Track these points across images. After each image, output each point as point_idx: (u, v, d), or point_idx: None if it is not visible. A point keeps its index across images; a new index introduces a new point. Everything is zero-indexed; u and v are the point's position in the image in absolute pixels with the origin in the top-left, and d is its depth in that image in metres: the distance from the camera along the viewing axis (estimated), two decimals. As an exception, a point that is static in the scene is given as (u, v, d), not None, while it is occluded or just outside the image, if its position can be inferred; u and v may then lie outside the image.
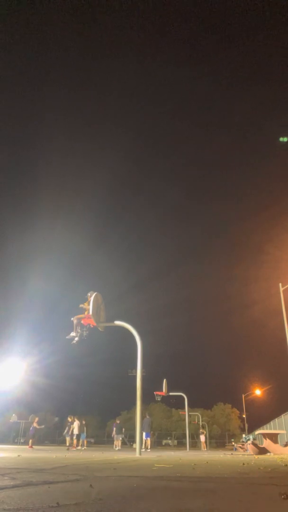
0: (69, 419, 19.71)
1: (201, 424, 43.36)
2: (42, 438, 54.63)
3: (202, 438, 34.98)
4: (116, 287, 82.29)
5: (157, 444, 59.90)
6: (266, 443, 13.56)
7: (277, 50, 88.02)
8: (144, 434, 18.94)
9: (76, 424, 20.06)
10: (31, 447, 17.90)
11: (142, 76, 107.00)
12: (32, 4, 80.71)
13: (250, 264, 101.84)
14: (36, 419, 19.18)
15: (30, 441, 18.40)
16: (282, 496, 2.18)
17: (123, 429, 21.41)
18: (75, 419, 20.47)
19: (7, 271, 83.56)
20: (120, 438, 20.15)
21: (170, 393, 25.12)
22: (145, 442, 18.52)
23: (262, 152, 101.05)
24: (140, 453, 10.03)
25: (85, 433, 19.62)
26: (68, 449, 16.93)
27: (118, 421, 21.13)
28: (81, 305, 11.74)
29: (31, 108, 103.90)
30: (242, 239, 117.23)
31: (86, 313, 11.50)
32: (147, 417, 19.86)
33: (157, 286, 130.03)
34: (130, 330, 11.33)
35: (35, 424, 18.71)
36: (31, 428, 18.85)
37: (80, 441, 19.25)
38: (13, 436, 54.83)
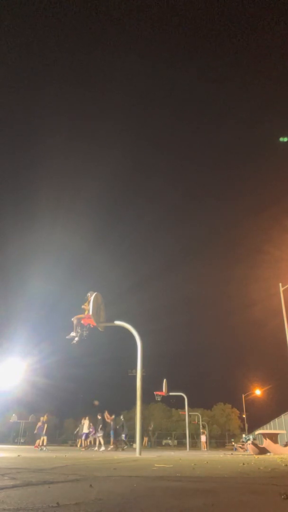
0: (45, 418, 18.98)
1: (201, 424, 43.38)
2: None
3: (203, 438, 35.04)
4: (116, 287, 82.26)
5: (157, 444, 59.94)
6: (266, 443, 13.57)
7: (278, 49, 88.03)
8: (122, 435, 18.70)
9: (85, 423, 19.93)
10: (36, 446, 17.86)
11: (142, 75, 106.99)
12: (34, 1, 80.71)
13: (250, 264, 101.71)
14: (41, 418, 18.91)
15: (37, 441, 18.24)
16: (282, 496, 2.18)
17: (110, 423, 18.63)
18: (85, 419, 20.30)
19: (7, 271, 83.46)
20: (102, 434, 18.11)
21: (170, 393, 25.10)
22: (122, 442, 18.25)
23: (262, 152, 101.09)
24: (140, 453, 10.03)
25: (44, 432, 17.93)
26: (41, 449, 16.72)
27: (99, 417, 18.73)
28: (83, 306, 11.74)
29: (31, 107, 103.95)
30: (242, 239, 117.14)
31: (86, 313, 11.50)
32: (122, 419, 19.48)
33: (157, 286, 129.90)
34: (130, 330, 11.33)
35: (39, 424, 18.51)
36: (37, 428, 18.60)
37: (42, 439, 17.84)
38: (13, 436, 54.85)
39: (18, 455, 8.52)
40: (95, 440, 19.18)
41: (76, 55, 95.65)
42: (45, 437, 17.68)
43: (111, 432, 18.72)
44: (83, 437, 19.82)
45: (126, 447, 18.69)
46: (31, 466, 4.62)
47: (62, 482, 2.90)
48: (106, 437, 19.41)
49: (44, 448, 16.99)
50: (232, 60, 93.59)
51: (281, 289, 20.71)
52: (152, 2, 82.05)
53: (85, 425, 19.89)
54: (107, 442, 19.06)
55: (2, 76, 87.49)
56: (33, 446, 18.30)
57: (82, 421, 20.88)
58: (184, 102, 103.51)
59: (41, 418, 18.61)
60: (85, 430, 19.76)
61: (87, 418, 20.30)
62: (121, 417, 20.47)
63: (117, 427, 19.14)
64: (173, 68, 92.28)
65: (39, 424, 18.29)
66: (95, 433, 18.88)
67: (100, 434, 18.13)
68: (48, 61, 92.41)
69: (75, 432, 20.59)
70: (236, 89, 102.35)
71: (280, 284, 20.95)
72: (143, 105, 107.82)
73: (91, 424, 19.79)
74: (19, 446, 30.25)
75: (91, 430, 19.46)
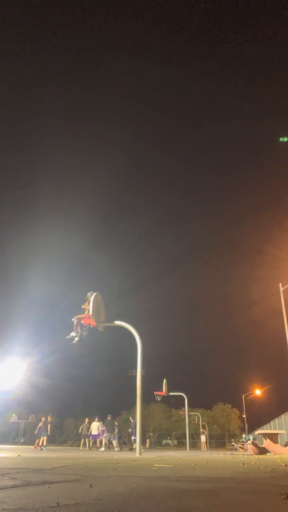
0: (49, 419, 18.96)
1: (201, 424, 43.34)
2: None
3: (203, 438, 34.99)
4: (116, 287, 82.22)
5: (157, 444, 59.96)
6: (266, 443, 13.57)
7: (278, 49, 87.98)
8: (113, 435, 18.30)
9: (95, 424, 19.84)
10: (36, 446, 17.83)
11: (142, 77, 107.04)
12: (33, 2, 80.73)
13: (250, 264, 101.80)
14: (43, 419, 18.84)
15: (37, 441, 18.19)
16: (282, 496, 2.18)
17: (116, 426, 18.53)
18: (96, 420, 20.21)
19: (7, 271, 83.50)
20: (106, 435, 18.06)
21: (170, 393, 25.08)
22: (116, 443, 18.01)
23: (262, 152, 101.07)
24: (140, 453, 10.03)
25: (47, 432, 17.93)
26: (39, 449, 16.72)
27: (109, 417, 18.79)
28: (83, 306, 11.74)
29: (32, 108, 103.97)
30: (242, 239, 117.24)
31: (86, 313, 11.50)
32: (109, 418, 18.90)
33: (157, 286, 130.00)
34: (130, 330, 11.33)
35: (40, 424, 18.46)
36: (38, 428, 18.54)
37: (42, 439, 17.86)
38: (13, 436, 54.83)
39: (18, 455, 8.52)
40: (108, 441, 19.15)
41: (76, 55, 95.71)
42: (45, 437, 17.68)
43: (117, 436, 18.71)
44: (92, 438, 19.71)
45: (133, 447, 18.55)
46: (31, 466, 4.62)
47: (62, 482, 2.90)
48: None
49: (44, 448, 16.99)
50: (232, 60, 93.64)
51: (281, 289, 20.71)
52: (152, 2, 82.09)
53: (94, 427, 19.77)
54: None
55: (2, 75, 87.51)
56: (33, 446, 18.27)
57: (86, 420, 20.81)
58: (184, 102, 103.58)
59: (42, 418, 18.56)
60: (95, 431, 19.64)
61: (96, 419, 20.19)
62: (130, 418, 20.30)
63: (129, 430, 19.02)
64: (173, 68, 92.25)
65: (40, 424, 18.25)
66: (104, 434, 18.81)
67: (105, 435, 18.11)
68: (48, 60, 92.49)
69: (88, 432, 20.34)
70: (236, 89, 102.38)
71: (280, 284, 20.94)
72: (143, 105, 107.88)
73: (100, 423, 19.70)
74: (19, 446, 30.24)
75: (101, 430, 19.35)
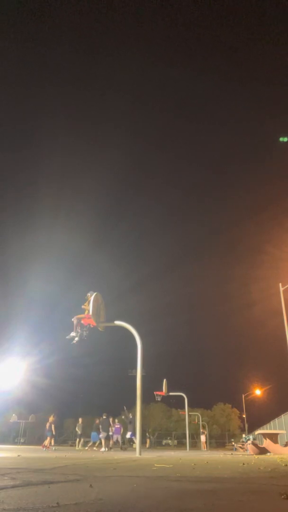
0: (51, 419, 18.85)
1: (201, 424, 43.33)
2: (42, 438, 54.51)
3: (203, 438, 34.97)
4: (116, 287, 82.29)
5: (157, 444, 59.92)
6: (266, 443, 13.57)
7: (278, 49, 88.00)
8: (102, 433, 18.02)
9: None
10: (48, 447, 17.76)
11: (143, 76, 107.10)
12: (34, 1, 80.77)
13: (250, 264, 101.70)
14: (49, 419, 18.69)
15: (46, 441, 18.11)
16: (282, 496, 2.18)
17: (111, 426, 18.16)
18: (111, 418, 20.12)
19: (7, 271, 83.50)
20: (105, 435, 17.79)
21: (170, 393, 25.07)
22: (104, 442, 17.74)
23: (262, 152, 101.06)
24: (140, 453, 10.03)
25: (52, 432, 17.81)
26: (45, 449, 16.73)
27: (104, 416, 18.31)
28: (83, 306, 11.74)
29: (32, 107, 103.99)
30: (242, 239, 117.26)
31: (86, 313, 11.50)
32: (104, 417, 18.46)
33: (157, 286, 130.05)
34: (130, 330, 11.33)
35: (47, 424, 18.35)
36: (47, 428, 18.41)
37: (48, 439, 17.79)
38: (13, 436, 54.86)
39: (18, 455, 8.52)
40: (118, 441, 18.91)
41: (76, 55, 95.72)
42: (48, 437, 17.70)
43: (113, 433, 18.62)
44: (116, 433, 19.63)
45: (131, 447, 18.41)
46: (31, 466, 4.63)
47: (62, 482, 2.90)
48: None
49: (44, 449, 16.98)
50: (232, 60, 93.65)
51: (281, 289, 20.70)
52: (152, 2, 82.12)
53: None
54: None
55: (3, 75, 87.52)
56: (33, 446, 18.20)
57: (80, 421, 20.77)
58: (184, 102, 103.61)
59: (49, 419, 18.50)
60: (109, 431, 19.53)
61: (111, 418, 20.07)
62: (130, 415, 20.19)
63: (122, 416, 18.70)
64: (173, 68, 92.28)
65: (47, 424, 18.18)
66: (113, 434, 18.60)
67: (103, 435, 18.01)
68: (48, 60, 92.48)
69: (81, 432, 20.28)
70: (236, 89, 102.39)
71: (280, 284, 20.93)
72: (144, 105, 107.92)
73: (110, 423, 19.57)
74: (19, 446, 30.26)
75: (116, 427, 19.19)
